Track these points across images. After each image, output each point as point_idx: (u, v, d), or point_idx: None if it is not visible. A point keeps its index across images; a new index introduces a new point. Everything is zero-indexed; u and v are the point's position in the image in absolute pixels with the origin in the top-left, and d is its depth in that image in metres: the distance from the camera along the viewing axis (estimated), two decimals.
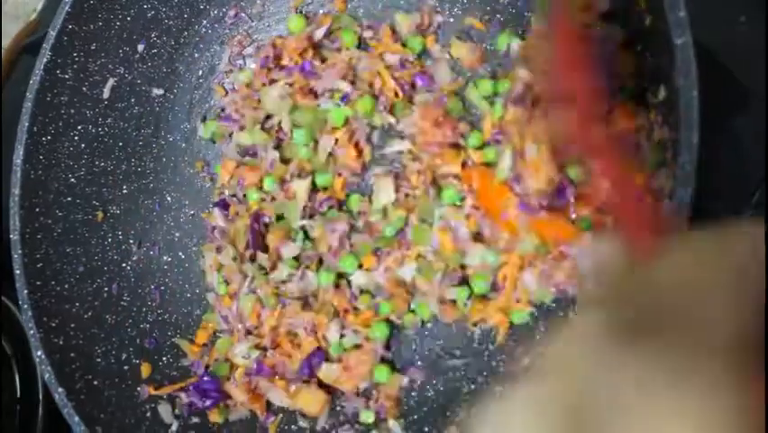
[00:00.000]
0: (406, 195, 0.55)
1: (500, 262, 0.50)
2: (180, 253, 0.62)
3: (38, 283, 0.52)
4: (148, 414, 0.52)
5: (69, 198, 0.57)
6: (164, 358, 0.57)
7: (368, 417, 0.52)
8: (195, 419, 0.53)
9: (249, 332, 0.57)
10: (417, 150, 0.55)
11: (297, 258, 0.57)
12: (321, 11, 0.64)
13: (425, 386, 0.52)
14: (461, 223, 0.52)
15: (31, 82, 0.54)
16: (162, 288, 0.60)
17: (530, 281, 0.49)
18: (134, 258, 0.60)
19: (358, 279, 0.55)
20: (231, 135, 0.63)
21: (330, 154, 0.58)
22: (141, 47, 0.62)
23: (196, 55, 0.65)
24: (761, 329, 0.20)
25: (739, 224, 0.25)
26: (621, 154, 0.32)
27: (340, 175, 0.58)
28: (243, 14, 0.66)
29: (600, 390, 0.19)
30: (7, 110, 0.84)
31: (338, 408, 0.54)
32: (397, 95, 0.57)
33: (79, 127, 0.58)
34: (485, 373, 0.50)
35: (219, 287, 0.59)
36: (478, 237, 0.52)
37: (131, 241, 0.60)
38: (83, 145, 0.58)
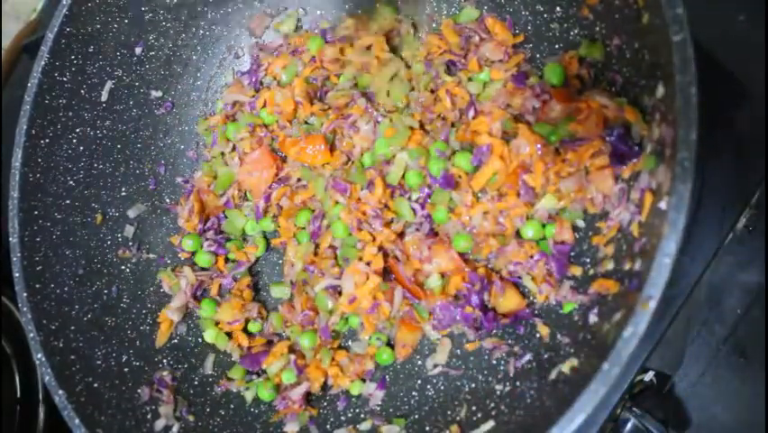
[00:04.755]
0: None
1: None
2: (180, 255, 0.62)
3: (37, 286, 0.52)
4: (149, 416, 0.52)
5: (68, 201, 0.57)
6: (164, 361, 0.57)
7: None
8: (195, 421, 0.53)
9: None
10: None
11: None
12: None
13: (426, 386, 0.52)
14: None
15: (29, 85, 0.54)
16: (162, 290, 0.60)
17: None
18: (134, 260, 0.60)
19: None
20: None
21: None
22: (138, 49, 0.62)
23: (194, 57, 0.65)
24: None
25: None
26: None
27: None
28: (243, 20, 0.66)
29: None
30: (5, 113, 0.84)
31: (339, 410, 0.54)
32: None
33: (78, 130, 0.58)
34: (485, 373, 0.50)
35: None
36: None
37: (130, 243, 0.60)
38: (81, 148, 0.58)
